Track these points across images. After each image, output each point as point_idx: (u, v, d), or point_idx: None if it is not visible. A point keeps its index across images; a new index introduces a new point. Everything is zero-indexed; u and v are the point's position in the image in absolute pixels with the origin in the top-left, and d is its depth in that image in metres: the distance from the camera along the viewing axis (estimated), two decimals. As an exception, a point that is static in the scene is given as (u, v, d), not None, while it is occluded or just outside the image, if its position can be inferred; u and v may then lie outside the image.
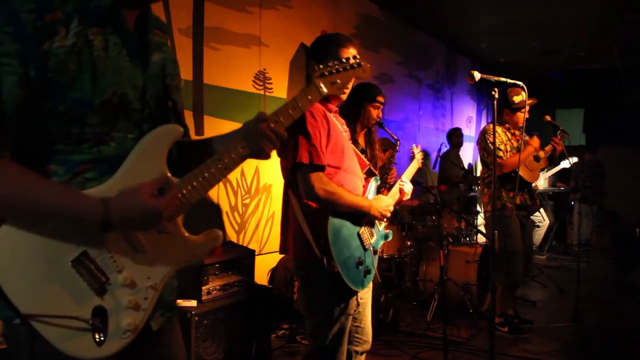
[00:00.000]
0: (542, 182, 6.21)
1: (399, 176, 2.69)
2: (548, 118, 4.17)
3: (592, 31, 7.15)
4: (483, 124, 9.59)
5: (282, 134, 1.25)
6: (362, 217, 2.18)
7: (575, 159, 5.89)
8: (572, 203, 8.29)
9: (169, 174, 1.16)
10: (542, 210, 6.84)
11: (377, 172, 2.58)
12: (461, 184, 6.39)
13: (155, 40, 1.24)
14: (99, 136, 1.11)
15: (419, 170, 2.98)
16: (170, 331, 1.31)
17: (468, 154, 8.60)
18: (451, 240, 4.94)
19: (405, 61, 6.76)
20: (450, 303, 4.40)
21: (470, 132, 8.89)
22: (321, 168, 2.05)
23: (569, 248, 8.58)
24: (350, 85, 2.09)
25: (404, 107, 6.78)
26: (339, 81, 1.39)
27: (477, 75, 2.40)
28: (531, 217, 4.41)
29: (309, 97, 1.33)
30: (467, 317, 4.31)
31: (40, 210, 1.02)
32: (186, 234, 1.21)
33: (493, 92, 2.44)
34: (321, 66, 1.39)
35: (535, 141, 4.02)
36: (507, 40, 7.67)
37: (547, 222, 6.85)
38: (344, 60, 1.43)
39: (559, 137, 4.09)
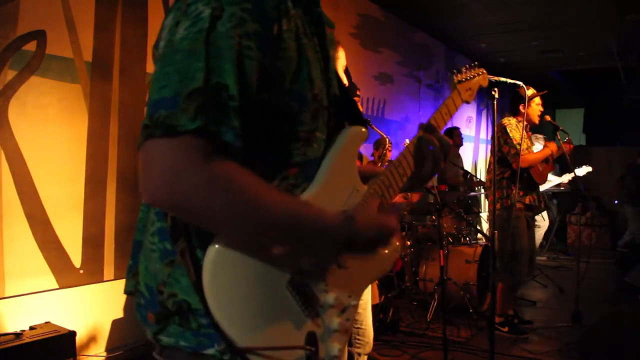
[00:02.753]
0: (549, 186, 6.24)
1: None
2: (548, 118, 4.17)
3: (592, 31, 7.14)
4: (483, 123, 9.58)
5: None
6: None
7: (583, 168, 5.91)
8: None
9: (361, 183, 1.06)
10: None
11: None
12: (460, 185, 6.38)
13: (330, 35, 1.05)
14: (308, 135, 0.93)
15: None
16: None
17: (468, 153, 8.60)
18: (451, 240, 4.95)
19: (405, 61, 6.76)
20: (450, 303, 4.41)
21: (470, 132, 8.89)
22: None
23: (569, 247, 8.58)
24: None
25: (404, 107, 6.78)
26: (471, 88, 1.37)
27: (477, 75, 2.40)
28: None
29: (455, 103, 1.35)
30: (467, 317, 4.31)
31: (277, 228, 0.84)
32: None
33: (493, 92, 2.44)
34: (463, 72, 1.37)
35: (554, 146, 4.10)
36: (507, 40, 7.67)
37: (547, 222, 6.84)
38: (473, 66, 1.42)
39: (568, 149, 4.13)
